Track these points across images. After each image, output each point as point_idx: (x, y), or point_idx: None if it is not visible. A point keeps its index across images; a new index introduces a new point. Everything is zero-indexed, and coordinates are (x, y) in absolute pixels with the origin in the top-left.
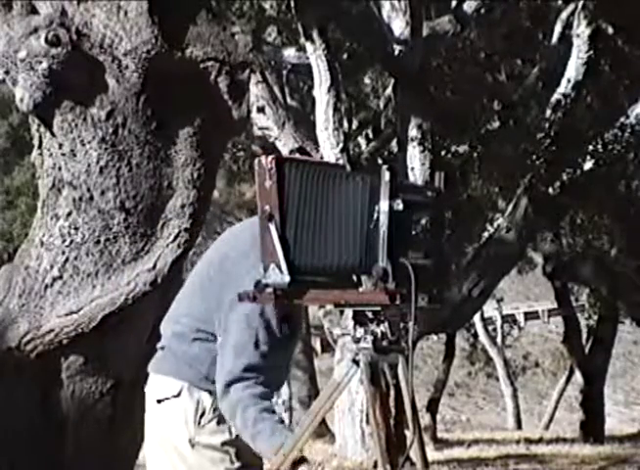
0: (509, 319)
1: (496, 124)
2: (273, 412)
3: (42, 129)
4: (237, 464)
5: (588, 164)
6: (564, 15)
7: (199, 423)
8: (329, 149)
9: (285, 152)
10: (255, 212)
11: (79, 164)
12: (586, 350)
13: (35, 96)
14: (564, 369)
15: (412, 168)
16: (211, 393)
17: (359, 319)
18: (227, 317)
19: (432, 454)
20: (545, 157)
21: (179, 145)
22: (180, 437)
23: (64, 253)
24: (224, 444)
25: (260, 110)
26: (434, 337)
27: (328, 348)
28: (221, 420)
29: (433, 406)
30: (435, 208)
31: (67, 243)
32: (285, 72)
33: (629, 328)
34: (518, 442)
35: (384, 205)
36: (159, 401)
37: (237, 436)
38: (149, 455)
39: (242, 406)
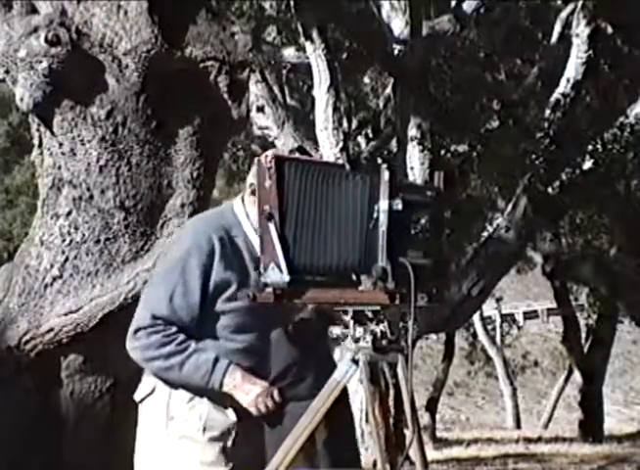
0: (508, 319)
1: (496, 124)
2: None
3: (42, 128)
4: (229, 466)
5: (587, 164)
6: (563, 14)
7: (170, 416)
8: (328, 148)
9: (284, 151)
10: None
11: (79, 163)
12: (585, 349)
13: (35, 95)
14: (563, 369)
15: (411, 168)
16: (183, 385)
17: (359, 319)
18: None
19: (431, 454)
20: (544, 156)
21: (179, 144)
22: (157, 432)
23: (63, 252)
24: (212, 438)
25: (260, 109)
26: (434, 336)
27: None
28: (193, 408)
29: (432, 406)
30: (435, 207)
31: (66, 242)
32: (284, 72)
33: (628, 327)
34: (517, 441)
35: (383, 204)
36: (140, 402)
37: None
38: (137, 457)
39: (152, 349)
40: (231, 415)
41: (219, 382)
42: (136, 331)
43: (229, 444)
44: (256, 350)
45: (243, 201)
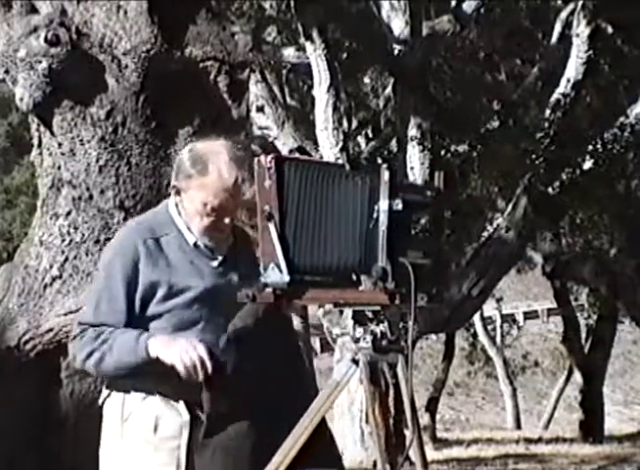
0: (508, 319)
1: (496, 124)
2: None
3: (42, 129)
4: (182, 466)
5: (588, 164)
6: (563, 14)
7: (123, 416)
8: (328, 148)
9: (284, 151)
10: (255, 212)
11: (79, 163)
12: (586, 349)
13: (35, 95)
14: (563, 369)
15: (412, 168)
16: (136, 388)
17: (359, 319)
18: None
19: (431, 454)
20: (545, 156)
21: (179, 144)
22: (113, 434)
23: (63, 252)
24: (163, 438)
25: (260, 109)
26: (434, 336)
27: (327, 347)
28: (145, 408)
29: (432, 406)
30: (435, 207)
31: (66, 242)
32: (284, 72)
33: (629, 328)
34: (517, 441)
35: (383, 204)
36: (100, 406)
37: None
38: (100, 461)
39: (86, 347)
40: (184, 414)
41: (145, 348)
42: (72, 339)
43: (182, 443)
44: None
45: (174, 202)
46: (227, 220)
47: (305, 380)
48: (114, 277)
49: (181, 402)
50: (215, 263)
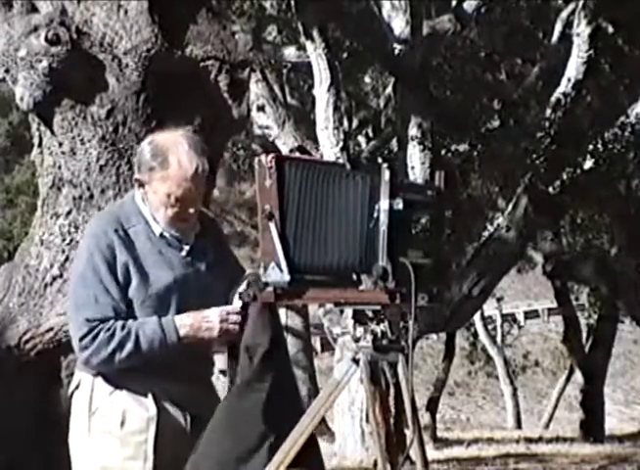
0: (509, 318)
1: (496, 123)
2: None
3: (42, 128)
4: (150, 464)
5: (588, 164)
6: (564, 14)
7: (91, 409)
8: (329, 148)
9: (285, 150)
10: (255, 211)
11: (79, 162)
12: (586, 349)
13: (35, 95)
14: (563, 368)
15: (412, 167)
16: (105, 377)
17: (359, 318)
18: (70, 284)
19: (431, 453)
20: (545, 156)
21: None
22: (81, 427)
23: (64, 251)
24: (129, 432)
25: (260, 108)
26: (434, 336)
27: (328, 347)
28: (113, 402)
29: (432, 405)
30: (435, 207)
31: (67, 241)
32: (285, 71)
33: (629, 327)
34: (517, 441)
35: (384, 204)
36: (70, 397)
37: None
38: (71, 454)
39: (103, 349)
40: (151, 408)
41: (176, 337)
42: (81, 340)
43: (149, 437)
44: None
45: (138, 194)
46: (192, 210)
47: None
48: (99, 269)
49: (149, 396)
50: (184, 253)
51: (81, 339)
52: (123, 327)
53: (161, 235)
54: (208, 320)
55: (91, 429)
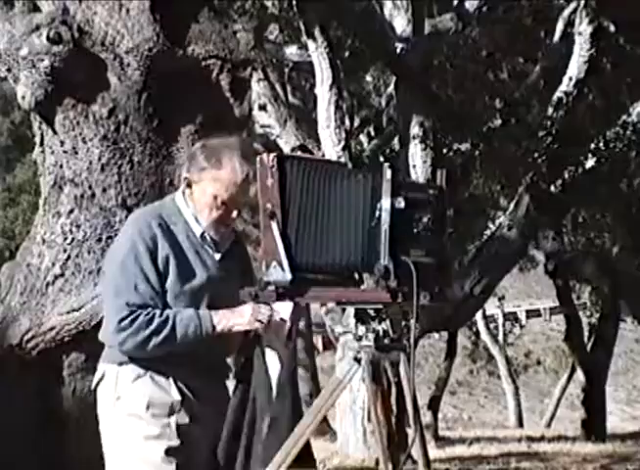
0: (511, 317)
1: (498, 122)
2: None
3: (44, 127)
4: (176, 441)
5: (590, 162)
6: (566, 13)
7: (117, 396)
8: (330, 147)
9: (287, 150)
10: (257, 210)
11: (81, 161)
12: (588, 348)
13: (37, 94)
14: (565, 367)
15: (414, 166)
16: (129, 363)
17: (361, 317)
18: (105, 272)
19: (433, 452)
20: (547, 155)
21: (181, 142)
22: (107, 413)
23: (65, 250)
24: (155, 414)
25: (262, 108)
26: (436, 335)
27: (329, 345)
28: (137, 388)
29: (434, 404)
30: (437, 205)
31: (68, 240)
32: (287, 70)
33: (631, 326)
34: (519, 440)
35: (385, 202)
36: (94, 389)
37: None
38: (103, 443)
39: (142, 331)
40: (174, 393)
41: (212, 327)
42: (120, 322)
43: (173, 420)
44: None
45: (183, 193)
46: (234, 214)
47: None
48: (142, 257)
49: (171, 383)
50: (218, 256)
51: (121, 321)
52: (161, 314)
53: (202, 236)
54: (242, 311)
55: (117, 412)
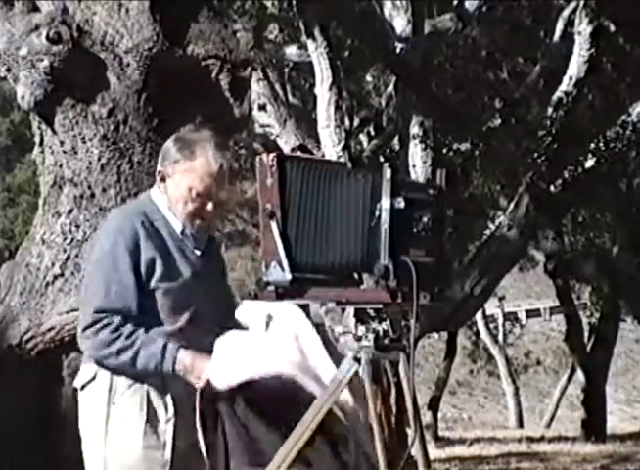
0: (511, 317)
1: (498, 122)
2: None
3: (43, 127)
4: (168, 449)
5: (590, 162)
6: (565, 12)
7: (110, 399)
8: (330, 146)
9: (286, 150)
10: (257, 210)
11: (80, 161)
12: (588, 348)
13: (36, 93)
14: (565, 367)
15: (414, 166)
16: (127, 376)
17: (361, 317)
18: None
19: (433, 452)
20: (547, 154)
21: None
22: (99, 418)
23: (65, 250)
24: (151, 423)
25: (262, 107)
26: (436, 335)
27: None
28: (134, 394)
29: (434, 404)
30: (437, 205)
31: (68, 240)
32: (286, 70)
33: (631, 326)
34: (519, 440)
35: (385, 202)
36: (81, 388)
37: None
38: (83, 445)
39: (102, 348)
40: (169, 402)
41: (171, 370)
42: (84, 330)
43: (169, 428)
44: (185, 332)
45: (159, 189)
46: (210, 207)
47: None
48: (119, 258)
49: (169, 397)
50: (198, 252)
51: (85, 329)
52: (130, 335)
53: (182, 232)
54: (200, 371)
55: (110, 417)
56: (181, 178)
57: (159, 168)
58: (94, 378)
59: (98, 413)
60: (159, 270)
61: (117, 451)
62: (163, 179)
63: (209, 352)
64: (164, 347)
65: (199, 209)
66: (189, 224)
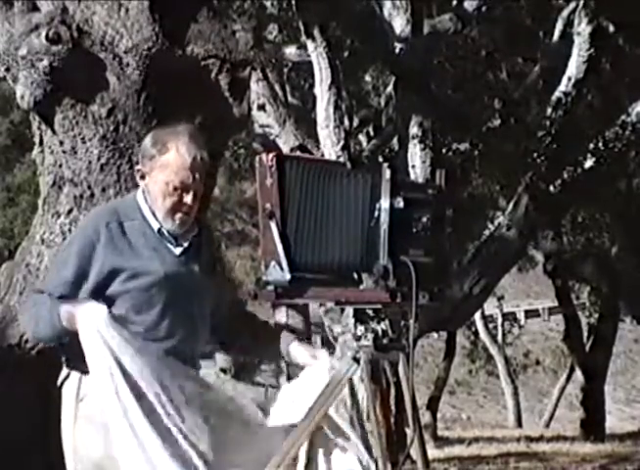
0: (510, 317)
1: (497, 122)
2: None
3: (43, 127)
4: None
5: (589, 162)
6: (565, 13)
7: (78, 396)
8: (330, 147)
9: (286, 150)
10: (256, 210)
11: (80, 161)
12: (587, 348)
13: (36, 93)
14: (564, 367)
15: (413, 166)
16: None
17: (360, 317)
18: None
19: (432, 452)
20: (546, 155)
21: None
22: (69, 414)
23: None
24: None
25: (261, 107)
26: (435, 335)
27: (328, 345)
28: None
29: (433, 404)
30: (436, 205)
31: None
32: (286, 70)
33: (630, 326)
34: (518, 440)
35: (385, 202)
36: (59, 387)
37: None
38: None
39: (22, 317)
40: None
41: (58, 325)
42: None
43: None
44: (159, 330)
45: (141, 186)
46: (189, 200)
47: None
48: (70, 255)
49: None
50: (178, 251)
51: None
52: (39, 299)
53: (159, 231)
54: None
55: (77, 415)
56: (158, 174)
57: (137, 167)
58: (68, 376)
59: (69, 410)
60: (122, 276)
61: (86, 449)
62: (143, 177)
63: (192, 349)
64: (53, 304)
65: (177, 203)
66: (170, 220)
